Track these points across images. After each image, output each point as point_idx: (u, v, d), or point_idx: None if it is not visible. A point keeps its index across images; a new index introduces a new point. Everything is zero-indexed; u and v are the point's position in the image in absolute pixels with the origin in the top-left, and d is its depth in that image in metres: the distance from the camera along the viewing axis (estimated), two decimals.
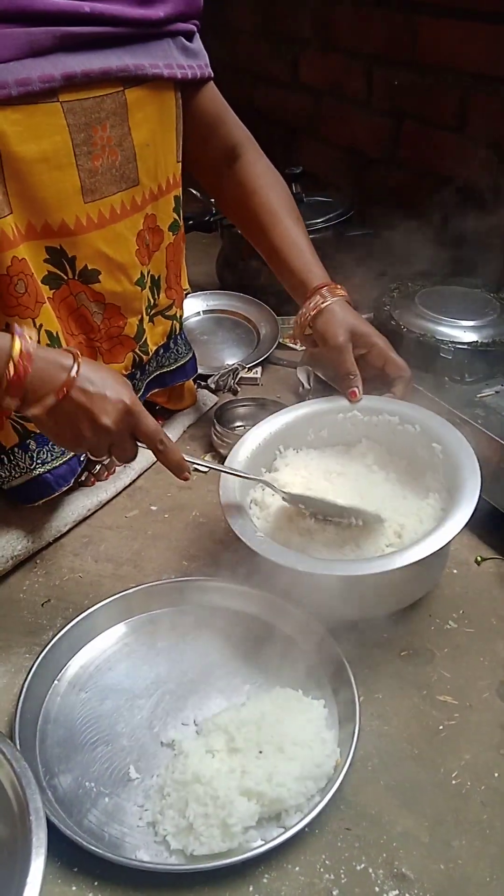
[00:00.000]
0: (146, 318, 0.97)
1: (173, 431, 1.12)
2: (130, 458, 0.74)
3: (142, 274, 0.91)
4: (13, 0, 0.69)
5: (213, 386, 1.22)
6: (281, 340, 1.35)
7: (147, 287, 0.95)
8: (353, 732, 0.67)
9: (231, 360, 1.29)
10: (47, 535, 0.92)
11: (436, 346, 1.04)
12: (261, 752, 0.65)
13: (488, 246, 1.27)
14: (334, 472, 0.88)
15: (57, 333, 0.83)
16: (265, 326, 1.36)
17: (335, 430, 0.92)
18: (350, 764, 0.64)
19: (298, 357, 1.29)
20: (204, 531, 0.95)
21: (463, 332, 1.06)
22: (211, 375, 1.24)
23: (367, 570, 0.70)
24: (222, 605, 0.82)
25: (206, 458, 1.07)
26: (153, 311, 0.99)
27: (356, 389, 0.90)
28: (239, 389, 1.23)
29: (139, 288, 0.91)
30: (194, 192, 1.35)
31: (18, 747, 0.64)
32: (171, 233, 0.96)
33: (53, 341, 0.83)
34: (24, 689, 0.71)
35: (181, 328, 1.06)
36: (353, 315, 0.92)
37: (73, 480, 0.91)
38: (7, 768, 0.60)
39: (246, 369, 1.26)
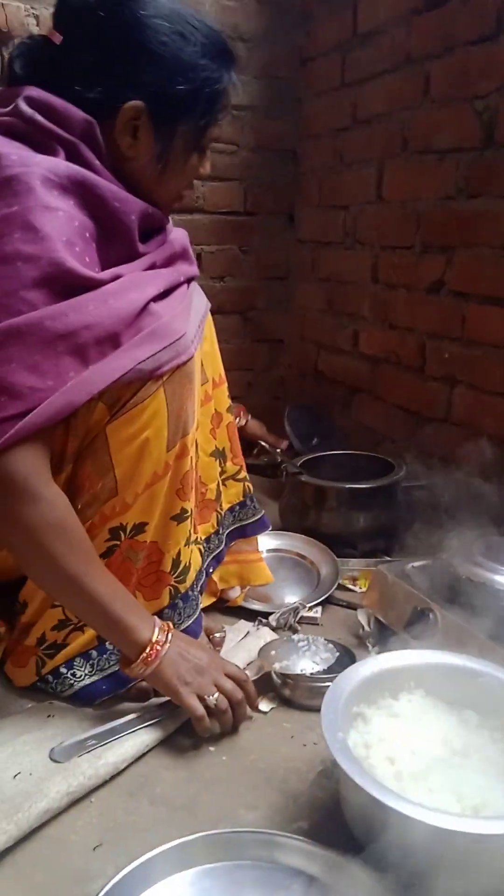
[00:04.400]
0: (220, 483, 1.20)
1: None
2: (234, 694, 0.98)
3: (215, 447, 1.16)
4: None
5: (273, 624, 1.25)
6: (341, 581, 1.39)
7: (218, 458, 1.18)
8: None
9: (291, 599, 1.33)
10: (104, 771, 0.90)
11: (496, 593, 1.06)
12: None
13: None
14: (435, 726, 0.88)
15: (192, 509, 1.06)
16: (325, 567, 1.41)
17: (430, 684, 0.92)
18: None
19: (359, 599, 1.32)
20: (262, 777, 0.92)
21: None
22: (272, 613, 1.26)
23: None
24: (283, 863, 0.77)
25: (265, 699, 1.07)
26: (224, 477, 1.22)
27: None
28: (299, 628, 1.25)
29: (213, 458, 1.16)
30: (264, 444, 1.49)
31: None
32: (228, 414, 1.21)
33: (190, 516, 1.05)
34: None
35: (252, 490, 1.29)
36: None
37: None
38: None
39: (306, 608, 1.28)
